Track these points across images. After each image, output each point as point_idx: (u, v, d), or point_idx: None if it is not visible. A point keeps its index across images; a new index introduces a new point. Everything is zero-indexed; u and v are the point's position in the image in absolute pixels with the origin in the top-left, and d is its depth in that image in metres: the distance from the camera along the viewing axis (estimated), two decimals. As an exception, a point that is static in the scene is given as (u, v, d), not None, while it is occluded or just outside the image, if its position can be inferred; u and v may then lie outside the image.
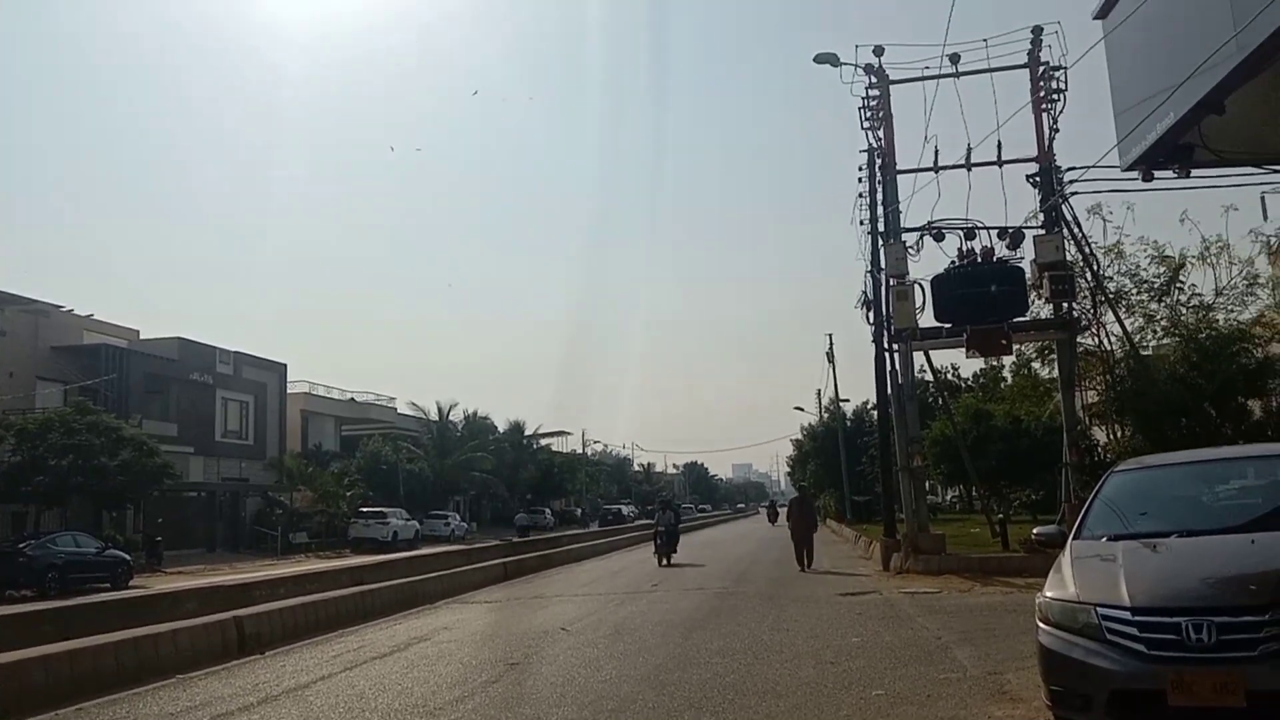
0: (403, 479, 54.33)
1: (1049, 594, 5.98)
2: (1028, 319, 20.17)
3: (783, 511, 57.81)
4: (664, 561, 25.34)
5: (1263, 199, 19.99)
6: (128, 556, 28.95)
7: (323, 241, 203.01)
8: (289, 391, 55.40)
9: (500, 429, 72.36)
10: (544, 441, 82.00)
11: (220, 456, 48.22)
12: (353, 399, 64.26)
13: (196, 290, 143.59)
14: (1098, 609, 5.51)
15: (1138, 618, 5.33)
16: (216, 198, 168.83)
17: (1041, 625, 5.89)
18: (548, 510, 73.56)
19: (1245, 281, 21.17)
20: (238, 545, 45.06)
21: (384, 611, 15.76)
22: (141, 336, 47.55)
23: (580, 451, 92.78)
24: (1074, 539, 6.62)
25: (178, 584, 23.80)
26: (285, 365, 54.51)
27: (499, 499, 70.96)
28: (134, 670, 10.05)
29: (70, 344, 41.97)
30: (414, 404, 63.99)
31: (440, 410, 63.24)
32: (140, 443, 34.85)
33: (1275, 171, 11.09)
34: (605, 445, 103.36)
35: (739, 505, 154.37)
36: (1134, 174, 9.47)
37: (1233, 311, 21.11)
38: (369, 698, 8.63)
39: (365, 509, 47.57)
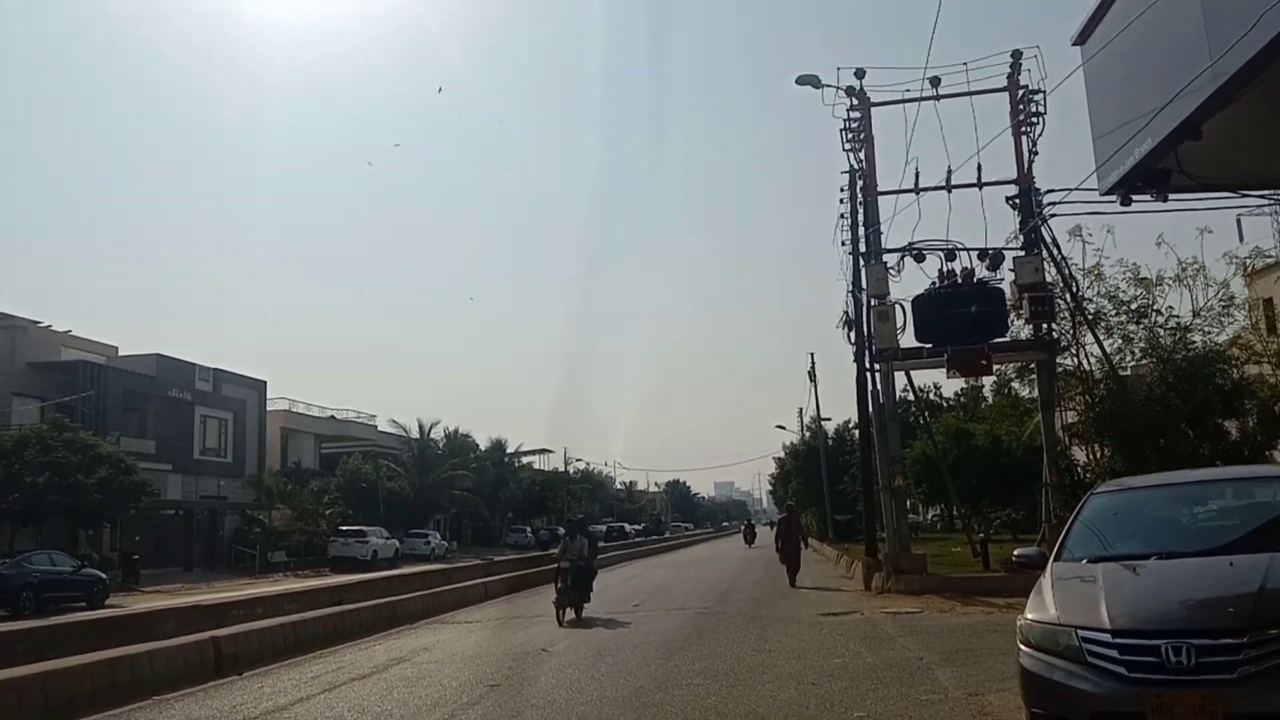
0: (383, 497, 54.00)
1: (1030, 616, 5.99)
2: (1008, 340, 20.30)
3: (763, 531, 58.38)
4: (564, 616, 16.39)
5: (1239, 222, 20.16)
6: (104, 575, 28.64)
7: (305, 259, 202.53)
8: (268, 409, 55.08)
9: (482, 447, 72.09)
10: (526, 460, 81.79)
11: (199, 474, 47.85)
12: (333, 416, 63.94)
13: (176, 307, 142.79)
14: (1078, 631, 5.53)
15: (1118, 640, 5.35)
16: (196, 213, 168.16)
17: (1022, 647, 5.90)
18: (529, 529, 73.24)
19: (1222, 303, 21.39)
20: (215, 564, 44.68)
21: (363, 632, 15.65)
22: (120, 353, 47.23)
23: (562, 470, 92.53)
24: (1054, 561, 6.64)
25: (155, 603, 23.55)
26: (265, 382, 54.27)
27: (480, 517, 70.62)
28: (109, 692, 9.93)
29: (47, 360, 41.67)
30: (395, 421, 63.72)
31: (421, 428, 62.98)
32: (117, 460, 34.54)
33: (1250, 196, 11.23)
34: (588, 464, 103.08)
35: (723, 524, 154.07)
36: (1112, 198, 9.56)
37: (1209, 333, 21.31)
38: (348, 720, 8.56)
39: (345, 527, 47.21)
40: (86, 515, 34.48)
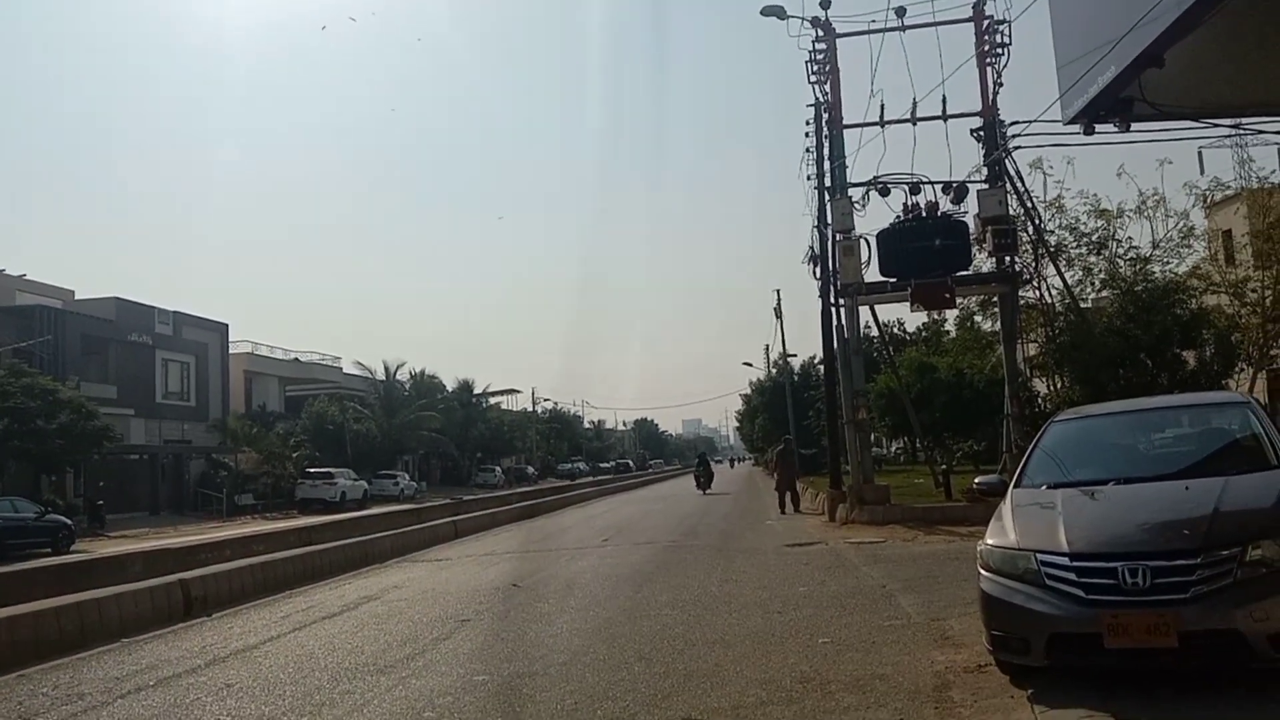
0: (350, 439, 53.93)
1: (990, 542, 6.11)
2: (971, 273, 20.42)
3: (721, 471, 59.25)
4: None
5: (1199, 154, 20.38)
6: (69, 521, 28.52)
7: (268, 199, 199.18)
8: (231, 352, 54.54)
9: (449, 388, 72.00)
10: (494, 400, 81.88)
11: (162, 418, 47.47)
12: (297, 359, 63.50)
13: (135, 250, 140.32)
14: (1037, 555, 5.65)
15: (1076, 563, 5.48)
16: (153, 155, 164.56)
17: (983, 572, 6.02)
18: (498, 469, 73.55)
19: (1181, 234, 21.65)
20: (182, 508, 44.56)
21: (333, 571, 15.67)
22: (77, 297, 46.45)
23: (530, 409, 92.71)
24: (1014, 488, 6.76)
25: (121, 548, 23.48)
26: (226, 325, 53.76)
27: (449, 458, 70.80)
28: (77, 635, 9.89)
29: (2, 305, 40.88)
30: (360, 363, 63.52)
31: (387, 369, 62.80)
32: (79, 405, 34.20)
33: (1211, 125, 11.27)
34: (555, 403, 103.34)
35: (694, 461, 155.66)
36: (1076, 127, 9.56)
37: (1169, 264, 21.61)
38: (318, 657, 8.60)
39: (312, 469, 47.19)
40: (48, 461, 34.21)
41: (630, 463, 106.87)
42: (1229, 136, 18.61)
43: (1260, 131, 13.49)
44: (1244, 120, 11.97)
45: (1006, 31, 19.67)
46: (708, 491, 38.11)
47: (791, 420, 46.73)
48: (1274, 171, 21.64)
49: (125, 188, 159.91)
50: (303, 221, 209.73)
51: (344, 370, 65.03)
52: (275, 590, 13.61)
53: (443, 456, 69.98)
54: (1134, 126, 9.69)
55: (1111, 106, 8.57)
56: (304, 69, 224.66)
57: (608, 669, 7.35)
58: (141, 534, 31.68)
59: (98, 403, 36.92)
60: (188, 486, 46.71)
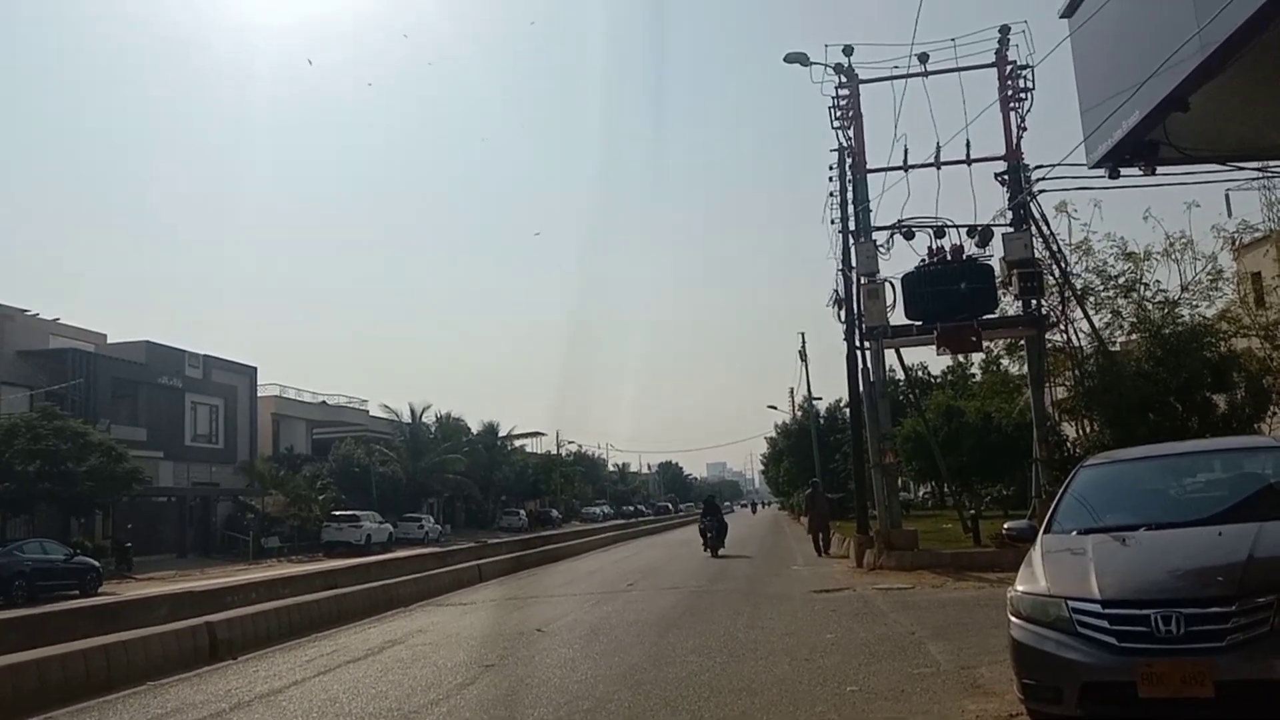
0: (375, 481, 54.03)
1: (1020, 588, 6.03)
2: (997, 316, 20.33)
3: (738, 519, 57.51)
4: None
5: (1227, 196, 20.25)
6: (97, 563, 28.65)
7: (295, 244, 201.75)
8: (259, 395, 54.97)
9: (474, 430, 72.10)
10: (518, 443, 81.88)
11: (190, 461, 47.75)
12: (324, 402, 63.87)
13: (165, 294, 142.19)
14: (1069, 602, 5.57)
15: (1108, 610, 5.39)
16: (183, 200, 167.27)
17: (1013, 619, 5.94)
18: (522, 512, 73.41)
19: (1209, 277, 21.46)
20: (209, 550, 44.68)
21: (358, 615, 15.66)
22: (109, 340, 47.03)
23: (555, 453, 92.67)
24: (1044, 533, 6.68)
25: (148, 590, 23.57)
26: (255, 368, 54.16)
27: (473, 501, 70.70)
28: (104, 678, 9.93)
29: (35, 348, 41.43)
30: (386, 406, 63.68)
31: (413, 412, 62.97)
32: (108, 448, 34.47)
33: (1237, 167, 11.24)
34: (580, 446, 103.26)
35: (726, 505, 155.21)
36: (1100, 171, 9.56)
37: (1197, 307, 21.40)
38: (343, 702, 8.58)
39: (338, 512, 47.26)
40: (78, 503, 34.43)
41: (669, 505, 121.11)
42: (1256, 179, 18.51)
43: (1288, 174, 13.43)
44: (1270, 163, 11.93)
45: (1029, 76, 19.78)
46: (719, 553, 26.95)
47: (818, 463, 46.43)
48: (1303, 214, 21.47)
49: (158, 233, 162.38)
50: (331, 265, 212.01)
51: (370, 413, 65.30)
52: (300, 634, 13.62)
53: (467, 499, 69.90)
54: (1159, 170, 9.69)
55: (1136, 150, 8.57)
56: (330, 115, 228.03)
57: (633, 716, 7.30)
58: (168, 576, 31.79)
59: (127, 445, 37.21)
60: (215, 529, 46.87)
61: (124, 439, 38.38)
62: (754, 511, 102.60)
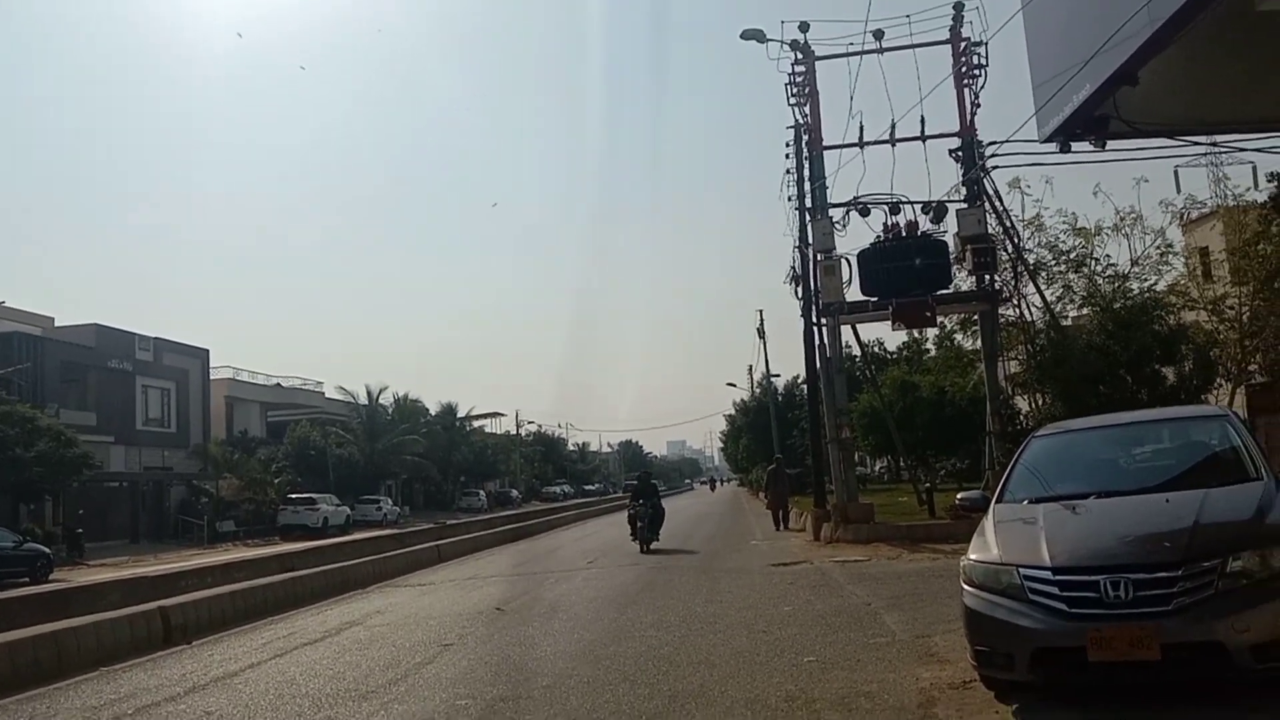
0: (332, 464, 53.58)
1: (973, 557, 6.11)
2: (951, 291, 20.54)
3: (690, 502, 57.03)
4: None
5: (1175, 172, 20.56)
6: (47, 550, 28.17)
7: (250, 225, 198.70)
8: (212, 377, 54.24)
9: (432, 411, 71.69)
10: (478, 423, 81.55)
11: (142, 445, 47.06)
12: (279, 384, 63.18)
13: (116, 278, 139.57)
14: (1020, 570, 5.65)
15: (1058, 577, 5.48)
16: (134, 182, 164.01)
17: (966, 587, 6.02)
18: (481, 493, 73.21)
19: (1159, 251, 21.84)
20: (162, 535, 44.11)
21: (315, 598, 15.53)
22: (56, 324, 46.12)
23: (514, 433, 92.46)
24: (996, 503, 6.77)
25: (100, 576, 23.23)
26: (207, 351, 53.44)
27: (432, 482, 70.37)
28: (54, 665, 9.76)
29: (-21, 332, 40.55)
30: (342, 388, 63.04)
31: (370, 393, 62.43)
32: (57, 433, 33.88)
33: (1186, 142, 11.38)
34: (539, 425, 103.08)
35: (687, 482, 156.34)
36: (1052, 146, 9.64)
37: (1147, 280, 21.77)
38: (300, 683, 8.51)
39: (294, 495, 46.82)
40: (27, 489, 33.85)
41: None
42: (1204, 155, 18.82)
43: (1237, 149, 13.63)
44: (1218, 137, 12.10)
45: (983, 53, 19.94)
46: (652, 548, 20.77)
47: (776, 440, 46.78)
48: (1249, 189, 21.86)
49: (106, 214, 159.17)
50: (285, 246, 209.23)
51: (326, 395, 64.63)
52: (257, 617, 13.48)
53: (426, 481, 69.57)
54: (1110, 144, 9.78)
55: (1087, 124, 8.64)
56: (286, 97, 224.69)
57: (592, 691, 7.30)
58: (121, 562, 31.34)
59: (77, 430, 36.58)
60: (168, 514, 46.25)
61: (73, 423, 37.72)
62: (713, 489, 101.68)
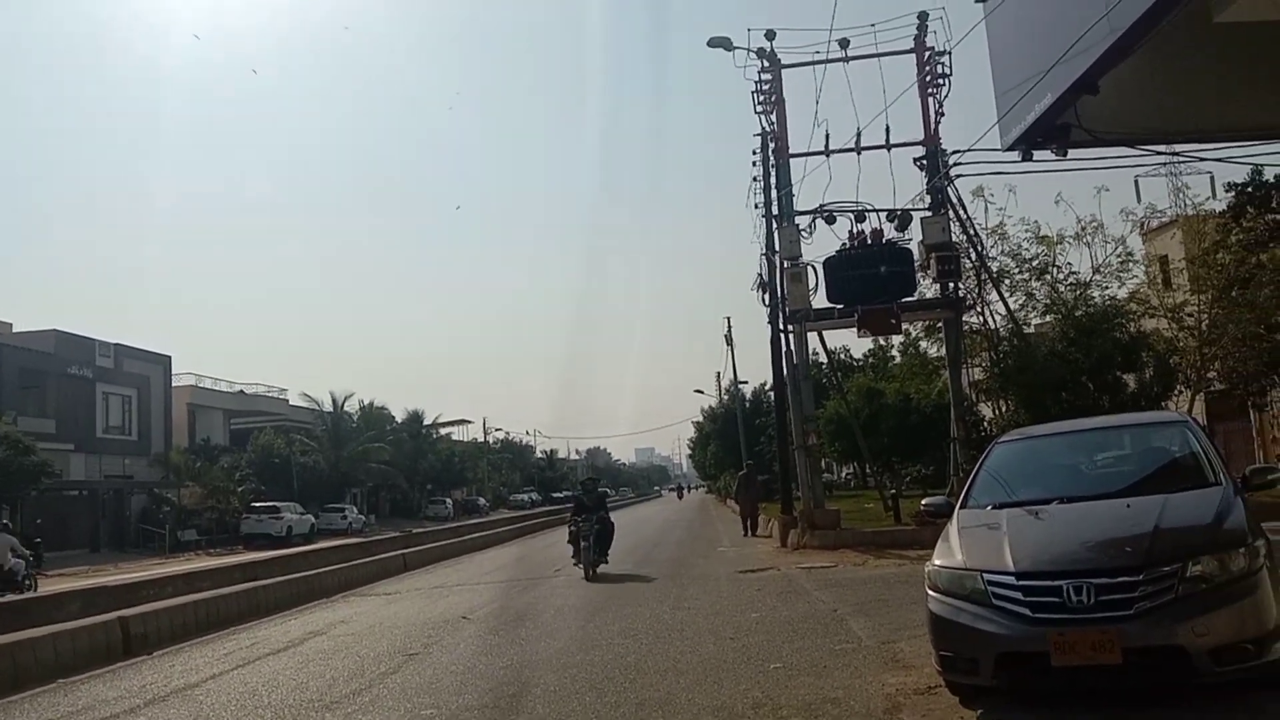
0: (296, 472, 53.06)
1: (937, 562, 6.14)
2: (916, 299, 20.71)
3: (658, 508, 56.26)
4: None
5: (1136, 182, 20.93)
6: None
7: (214, 231, 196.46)
8: (174, 384, 53.57)
9: (398, 419, 71.20)
10: (445, 431, 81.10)
11: (102, 453, 46.38)
12: (242, 391, 62.44)
13: (74, 282, 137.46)
14: (984, 575, 5.69)
15: (1022, 582, 5.52)
16: (94, 184, 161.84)
17: (930, 593, 6.04)
18: (448, 500, 72.73)
19: (1119, 260, 22.15)
20: (123, 545, 43.45)
21: (278, 607, 15.36)
22: (15, 330, 45.38)
23: (481, 440, 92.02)
24: (960, 508, 6.81)
25: (59, 586, 22.83)
26: (169, 357, 52.79)
27: (398, 490, 69.85)
28: (10, 677, 9.57)
29: (-65, 339, 39.85)
30: (307, 395, 62.23)
31: (335, 400, 61.76)
32: (14, 440, 33.37)
33: (1146, 151, 11.56)
34: (507, 433, 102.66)
35: (656, 489, 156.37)
36: (1015, 154, 9.75)
37: (1108, 288, 22.07)
38: (261, 694, 8.40)
39: (257, 504, 46.28)
40: (-17, 498, 33.24)
41: (608, 490, 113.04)
42: (1164, 164, 19.15)
43: (1196, 158, 13.85)
44: (1177, 147, 12.29)
45: (947, 62, 20.15)
46: (599, 571, 17.05)
47: (743, 447, 46.87)
48: (1207, 199, 22.26)
49: (64, 217, 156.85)
50: (251, 252, 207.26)
51: (290, 402, 63.94)
52: (219, 627, 13.31)
53: (392, 489, 69.03)
54: (1071, 153, 9.91)
55: (1048, 133, 8.74)
56: (253, 96, 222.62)
57: (558, 700, 7.27)
58: (80, 572, 30.82)
59: (35, 437, 36.02)
60: (129, 523, 45.56)
61: (31, 431, 37.14)
62: (680, 496, 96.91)
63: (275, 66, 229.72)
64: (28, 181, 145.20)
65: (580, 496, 19.29)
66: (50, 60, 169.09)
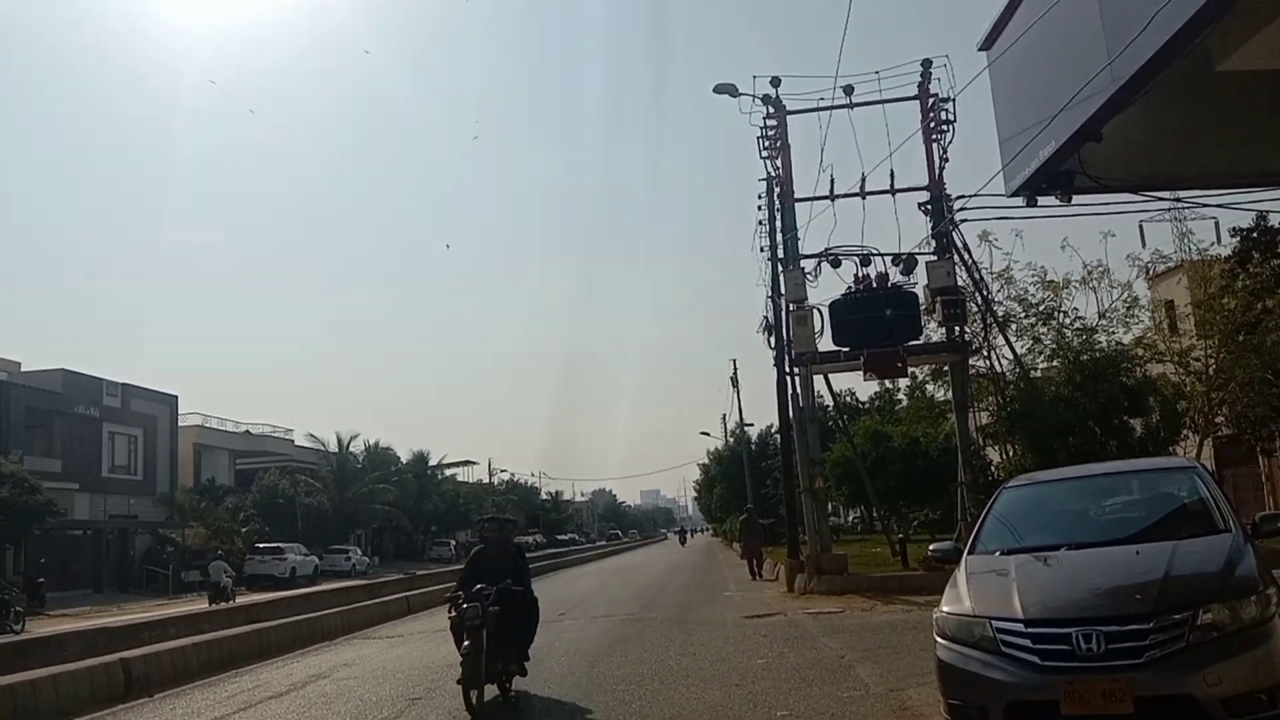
0: (301, 513, 52.91)
1: (945, 609, 6.09)
2: (922, 342, 20.69)
3: (658, 553, 55.82)
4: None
5: (1140, 227, 21.01)
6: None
7: (220, 270, 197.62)
8: (180, 424, 53.62)
9: (403, 459, 71.05)
10: (449, 471, 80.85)
11: (108, 493, 46.31)
12: (248, 431, 62.45)
13: (83, 321, 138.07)
14: (993, 622, 5.64)
15: (1031, 629, 5.47)
16: (103, 223, 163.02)
17: (939, 640, 5.99)
18: (452, 542, 72.35)
19: (1125, 304, 22.16)
20: (127, 585, 43.26)
21: (281, 650, 15.27)
22: (23, 369, 45.55)
23: (487, 481, 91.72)
24: (968, 554, 6.77)
25: (61, 627, 22.73)
26: (176, 397, 52.88)
27: (402, 531, 69.56)
28: (10, 718, 9.52)
29: (-57, 377, 39.99)
30: (312, 435, 62.23)
31: (340, 441, 61.74)
32: (21, 479, 33.32)
33: (1150, 198, 11.60)
34: (512, 474, 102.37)
35: (662, 532, 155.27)
36: (1019, 200, 9.80)
37: (1114, 333, 22.06)
38: (264, 739, 8.33)
39: (262, 545, 46.08)
40: (-12, 537, 33.17)
41: (618, 533, 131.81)
42: (1169, 210, 19.20)
43: (1200, 204, 13.91)
44: (1182, 193, 12.34)
45: (951, 108, 20.26)
46: (511, 695, 9.83)
47: (750, 489, 46.65)
48: (1212, 244, 22.32)
49: (75, 260, 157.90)
50: (256, 293, 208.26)
51: (296, 443, 63.92)
52: (221, 669, 13.22)
53: (396, 530, 68.73)
54: (1076, 199, 9.95)
55: (1052, 180, 8.78)
56: (252, 140, 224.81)
57: (563, 746, 7.19)
58: (84, 612, 30.71)
59: (41, 476, 36.00)
60: (133, 563, 45.39)
61: (38, 470, 37.13)
62: (683, 541, 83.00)
63: (261, 102, 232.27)
64: (39, 226, 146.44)
65: (478, 548, 10.99)
66: (60, 107, 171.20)
